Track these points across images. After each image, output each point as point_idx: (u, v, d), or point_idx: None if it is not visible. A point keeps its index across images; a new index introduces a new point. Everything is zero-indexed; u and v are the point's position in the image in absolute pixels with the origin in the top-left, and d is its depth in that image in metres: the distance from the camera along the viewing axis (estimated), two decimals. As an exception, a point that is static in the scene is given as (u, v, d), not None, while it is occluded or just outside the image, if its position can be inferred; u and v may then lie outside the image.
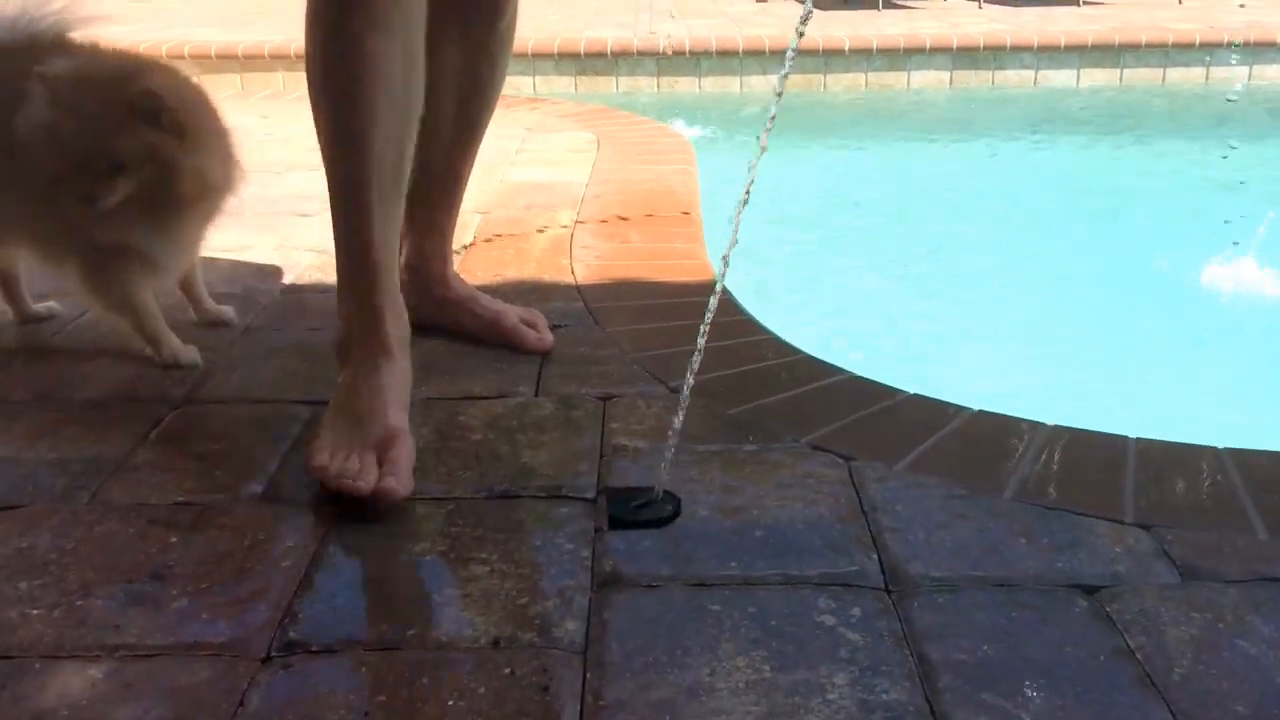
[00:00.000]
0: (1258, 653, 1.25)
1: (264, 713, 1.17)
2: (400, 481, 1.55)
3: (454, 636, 1.29)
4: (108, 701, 1.18)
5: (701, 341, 1.56)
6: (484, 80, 2.09)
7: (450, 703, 1.18)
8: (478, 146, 2.17)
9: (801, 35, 1.54)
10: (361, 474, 1.55)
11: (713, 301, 1.56)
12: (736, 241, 1.55)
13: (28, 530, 1.51)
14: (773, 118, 1.53)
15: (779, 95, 1.54)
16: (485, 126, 2.17)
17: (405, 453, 1.60)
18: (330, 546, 1.47)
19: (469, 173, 2.17)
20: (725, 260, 1.57)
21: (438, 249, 2.11)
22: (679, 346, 2.11)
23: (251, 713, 1.17)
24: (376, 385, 1.66)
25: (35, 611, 1.33)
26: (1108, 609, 1.33)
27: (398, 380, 1.70)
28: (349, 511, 1.53)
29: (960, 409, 1.85)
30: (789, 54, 1.60)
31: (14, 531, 1.51)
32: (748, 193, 1.54)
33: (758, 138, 1.53)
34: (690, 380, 1.57)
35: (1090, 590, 1.36)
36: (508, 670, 1.23)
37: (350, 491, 1.53)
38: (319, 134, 1.79)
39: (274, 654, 1.26)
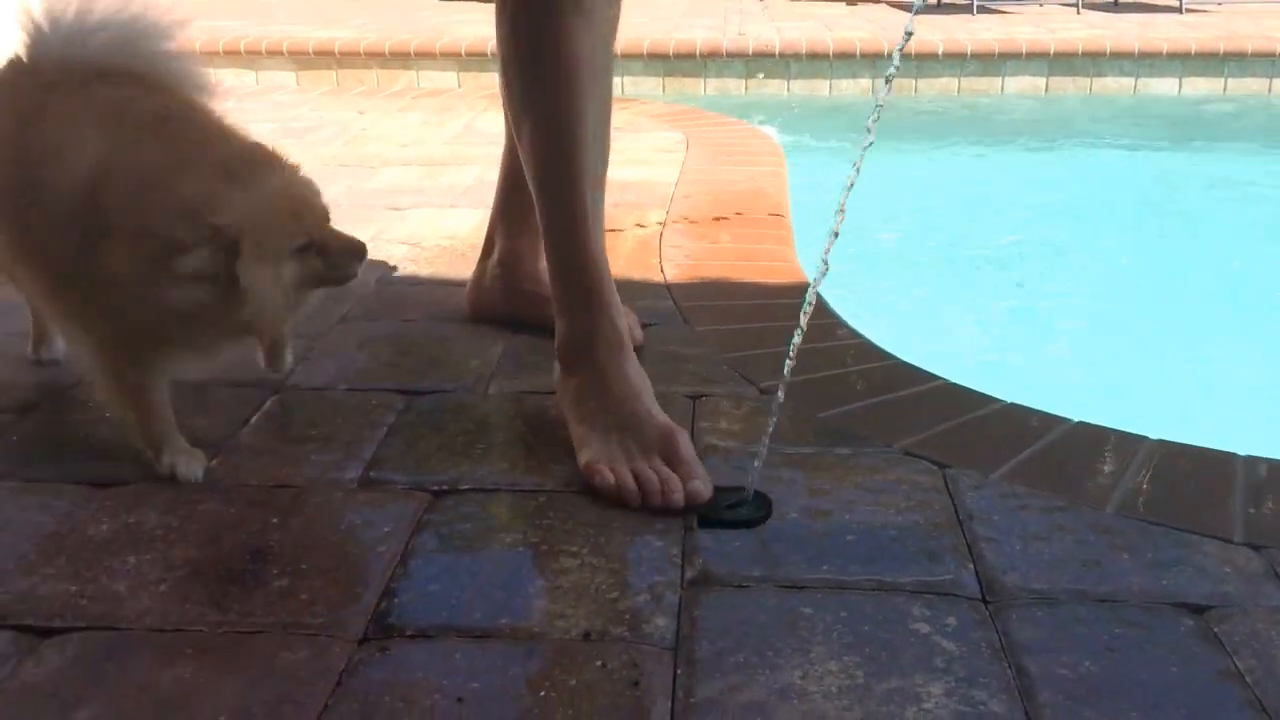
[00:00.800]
0: (1377, 682, 1.20)
1: (360, 693, 1.19)
2: (703, 481, 1.53)
3: (545, 627, 1.30)
4: (208, 677, 1.21)
5: (797, 339, 1.55)
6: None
7: (542, 693, 1.19)
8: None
9: (908, 38, 1.53)
10: (667, 489, 1.52)
11: (809, 298, 1.54)
12: (836, 237, 1.53)
13: (135, 507, 1.56)
14: (872, 129, 1.51)
15: (879, 106, 1.51)
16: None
17: (689, 448, 1.57)
18: (425, 534, 1.49)
19: None
20: (824, 263, 1.55)
21: (531, 247, 2.12)
22: (768, 348, 2.10)
23: (348, 693, 1.19)
24: (628, 384, 1.62)
25: (143, 586, 1.37)
26: (1215, 630, 1.28)
27: (643, 375, 1.67)
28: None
29: (1058, 420, 1.80)
30: (892, 65, 1.58)
31: (122, 507, 1.56)
32: (846, 198, 1.52)
33: (864, 147, 1.50)
34: (786, 380, 1.56)
35: (1197, 610, 1.32)
36: (599, 663, 1.24)
37: (667, 509, 1.51)
38: (519, 129, 1.68)
39: (370, 636, 1.28)
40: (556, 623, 1.31)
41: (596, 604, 1.34)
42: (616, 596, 1.36)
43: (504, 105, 1.76)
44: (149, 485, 1.61)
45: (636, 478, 1.53)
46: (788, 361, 1.55)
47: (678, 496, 1.51)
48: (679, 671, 1.22)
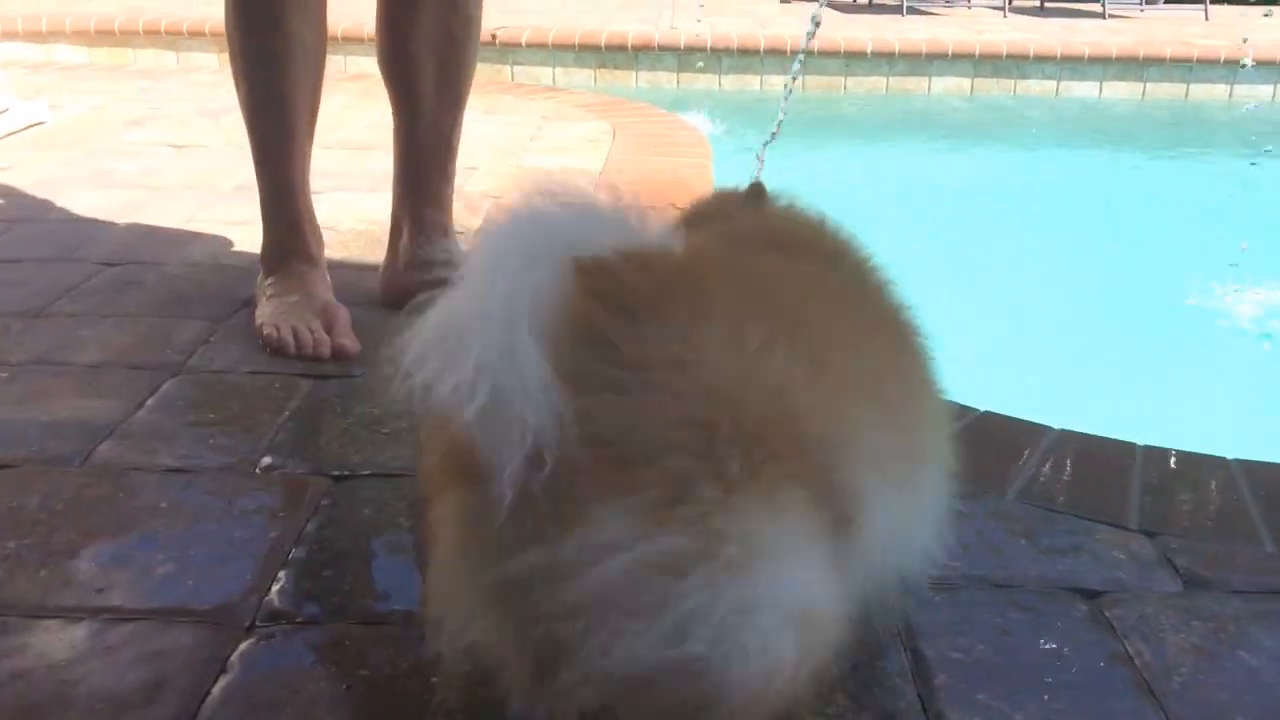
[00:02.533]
0: (1259, 665, 1.22)
1: (245, 681, 1.15)
2: (351, 341, 1.92)
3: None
4: (87, 662, 1.16)
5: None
6: (460, 40, 2.08)
7: (434, 679, 1.16)
8: (462, 110, 2.15)
9: (815, 28, 1.55)
10: (317, 342, 1.90)
11: None
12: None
13: (19, 490, 1.50)
14: (780, 121, 1.52)
15: (786, 96, 1.54)
16: (468, 88, 2.16)
17: (347, 320, 1.97)
18: (320, 519, 1.45)
19: (458, 139, 2.15)
20: None
21: (437, 220, 2.10)
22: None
23: (232, 681, 1.15)
24: (308, 280, 2.05)
25: (21, 570, 1.32)
26: (1108, 614, 1.30)
27: (324, 279, 2.09)
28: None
29: (965, 409, 1.82)
30: (797, 60, 1.60)
31: (4, 491, 1.49)
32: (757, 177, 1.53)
33: (771, 135, 1.52)
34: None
35: (1091, 595, 1.34)
36: (494, 649, 1.21)
37: (315, 357, 1.88)
38: (241, 98, 2.04)
39: (258, 624, 1.24)
40: (452, 608, 1.28)
41: (494, 590, 1.32)
42: (516, 582, 1.33)
43: (232, 73, 2.04)
44: (34, 468, 1.55)
45: (295, 334, 1.92)
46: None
47: (325, 349, 1.90)
48: None
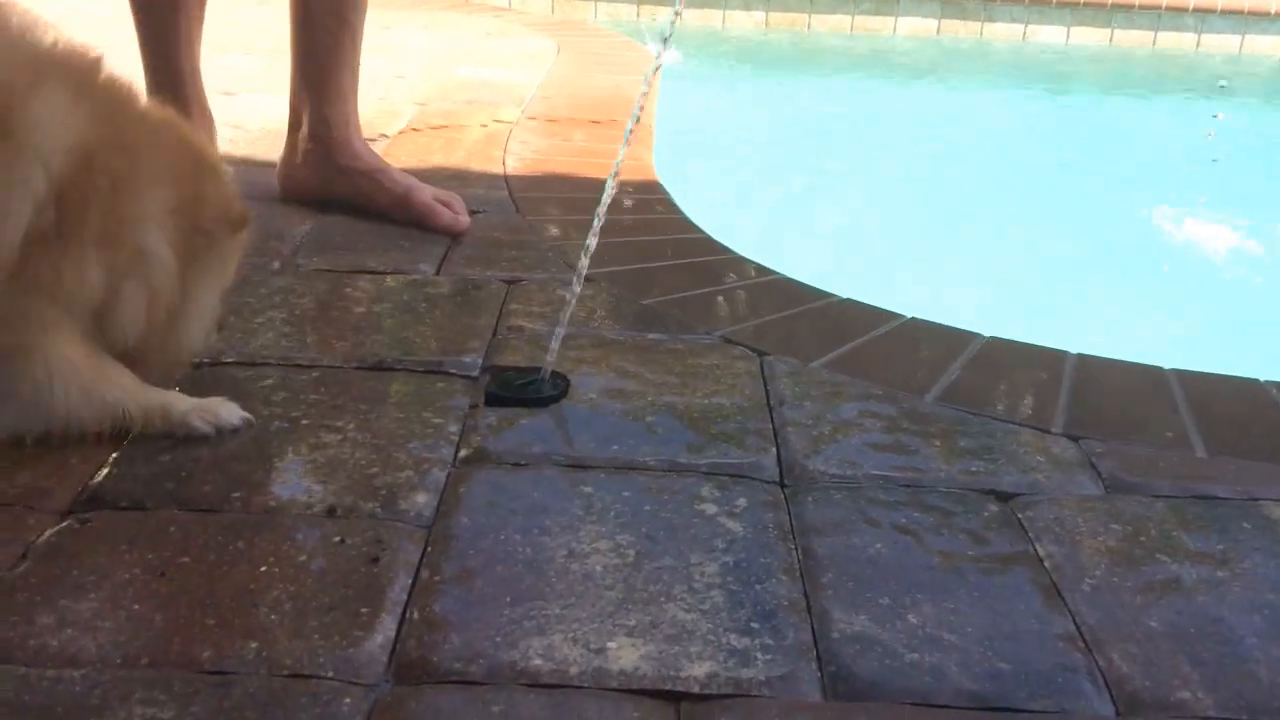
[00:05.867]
0: (1181, 570, 1.12)
1: (47, 564, 1.02)
2: None
3: (284, 503, 1.14)
4: None
5: (600, 214, 1.42)
6: None
7: (263, 568, 1.04)
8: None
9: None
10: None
11: (610, 180, 1.42)
12: (639, 119, 1.46)
13: None
14: (668, 38, 1.45)
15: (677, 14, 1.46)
16: None
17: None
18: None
19: (361, 25, 1.98)
20: (626, 139, 1.46)
21: (340, 114, 1.95)
22: (603, 239, 1.95)
23: (34, 564, 1.02)
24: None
25: None
26: (1020, 516, 1.19)
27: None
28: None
29: (890, 315, 1.71)
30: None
31: None
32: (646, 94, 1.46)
33: (655, 62, 1.47)
34: (587, 256, 1.42)
35: (1004, 497, 1.23)
36: (337, 539, 1.09)
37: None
38: None
39: (74, 509, 1.11)
40: (299, 498, 1.15)
41: (350, 480, 1.19)
42: (376, 473, 1.21)
43: None
44: None
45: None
46: (593, 230, 1.42)
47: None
48: (429, 549, 1.08)
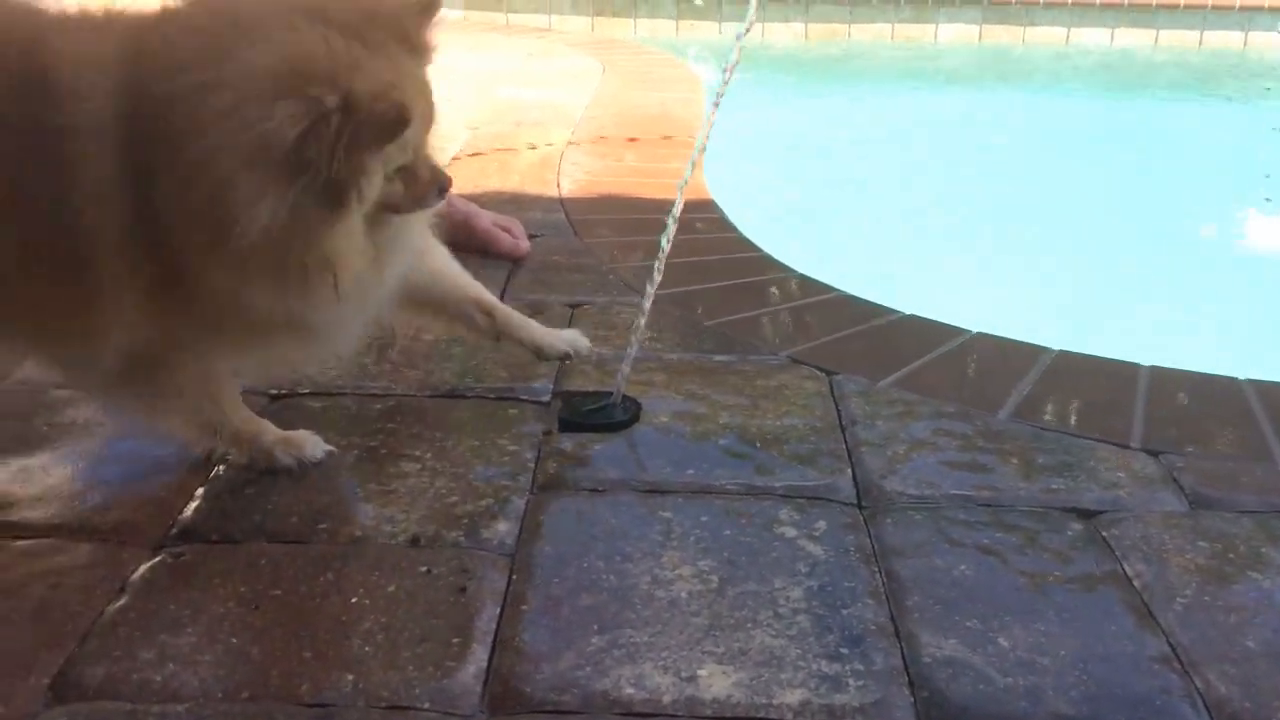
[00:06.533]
0: (1273, 586, 1.10)
1: (143, 600, 1.04)
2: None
3: (369, 533, 1.16)
4: (-28, 581, 1.06)
5: (665, 241, 1.42)
6: None
7: (354, 599, 1.05)
8: None
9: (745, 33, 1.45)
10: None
11: (677, 206, 1.42)
12: (704, 148, 1.46)
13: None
14: (732, 66, 1.42)
15: (743, 32, 1.43)
16: None
17: None
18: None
19: None
20: (693, 163, 1.46)
21: None
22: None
23: (130, 600, 1.04)
24: None
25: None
26: (1105, 534, 1.18)
27: None
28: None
29: (957, 330, 1.70)
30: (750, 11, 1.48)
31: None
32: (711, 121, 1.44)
33: (719, 90, 1.44)
34: (655, 281, 1.43)
35: (1087, 515, 1.22)
36: (424, 569, 1.10)
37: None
38: None
39: (166, 544, 1.13)
40: (383, 528, 1.17)
41: (431, 509, 1.20)
42: (456, 501, 1.22)
43: None
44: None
45: None
46: (658, 260, 1.42)
47: None
48: (514, 577, 1.09)
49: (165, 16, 1.09)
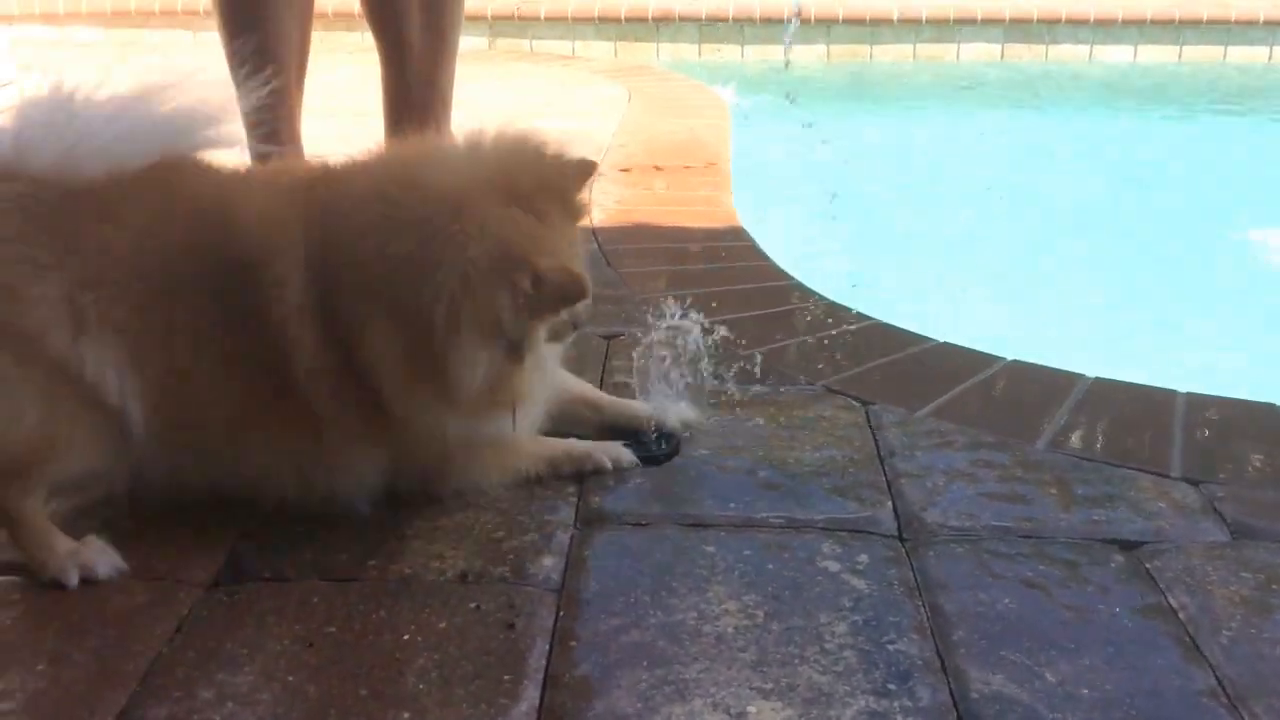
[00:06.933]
0: (1319, 618, 1.10)
1: (200, 638, 1.06)
2: None
3: (418, 570, 1.18)
4: (30, 626, 1.08)
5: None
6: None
7: (406, 636, 1.07)
8: (452, 58, 2.04)
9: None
10: None
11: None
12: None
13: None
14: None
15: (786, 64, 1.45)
16: (456, 35, 2.05)
17: None
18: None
19: (448, 89, 2.04)
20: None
21: None
22: (694, 288, 1.98)
23: (186, 638, 1.06)
24: None
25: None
26: (1147, 566, 1.18)
27: None
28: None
29: (991, 358, 1.70)
30: (789, 28, 1.51)
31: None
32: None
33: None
34: (691, 315, 1.45)
35: (1128, 546, 1.22)
36: (473, 605, 1.12)
37: None
38: (225, 53, 1.89)
39: (221, 581, 1.16)
40: (432, 564, 1.19)
41: (478, 545, 1.22)
42: (502, 537, 1.24)
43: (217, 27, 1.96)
44: None
45: None
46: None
47: None
48: (562, 612, 1.11)
49: (362, 165, 1.26)
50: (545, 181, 1.21)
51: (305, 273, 1.16)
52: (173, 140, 1.21)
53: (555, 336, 1.28)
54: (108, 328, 1.13)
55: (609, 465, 1.37)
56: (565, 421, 1.44)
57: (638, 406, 1.48)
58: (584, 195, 1.27)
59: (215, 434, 1.21)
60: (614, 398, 1.50)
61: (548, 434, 1.40)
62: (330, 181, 1.25)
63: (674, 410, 1.46)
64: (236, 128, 1.29)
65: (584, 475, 1.35)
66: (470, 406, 1.20)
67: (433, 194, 1.17)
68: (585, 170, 1.27)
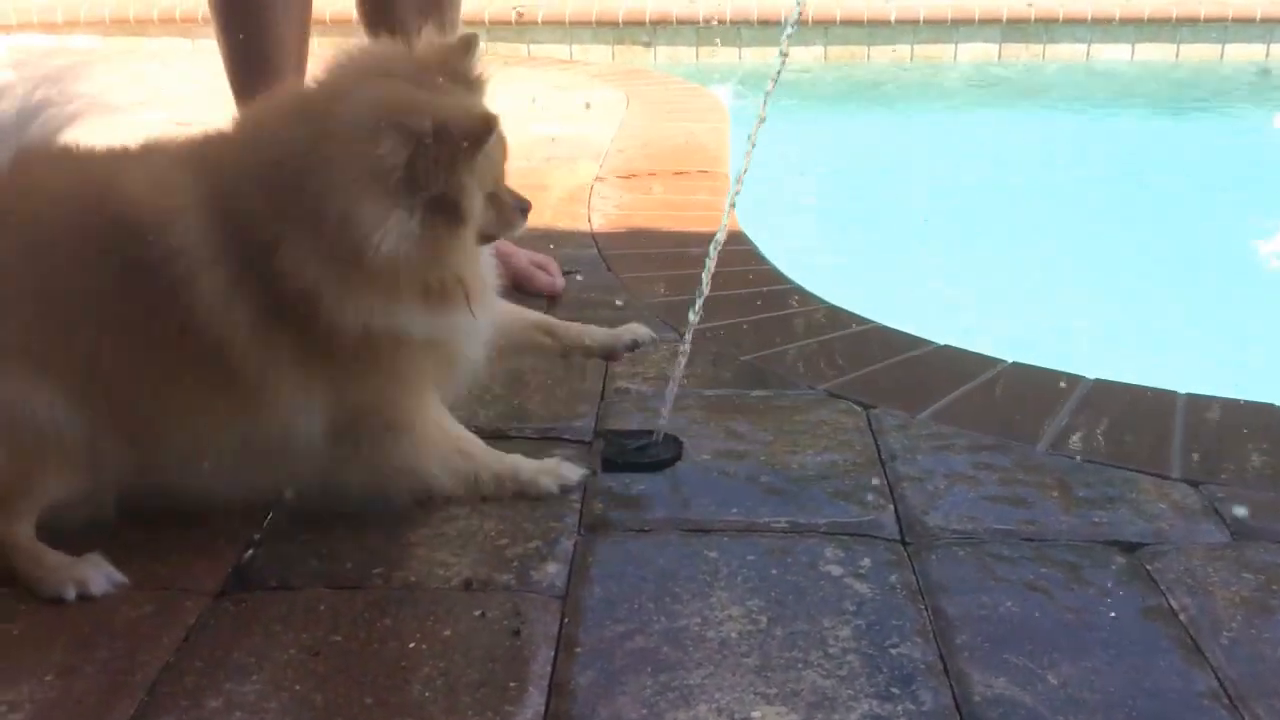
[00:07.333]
0: (1319, 618, 1.11)
1: (208, 648, 1.07)
2: None
3: (423, 577, 1.18)
4: (37, 637, 1.09)
5: (706, 279, 1.45)
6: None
7: (412, 644, 1.08)
8: None
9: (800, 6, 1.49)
10: None
11: (716, 240, 1.46)
12: (740, 190, 1.52)
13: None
14: (769, 91, 1.48)
15: (780, 66, 1.48)
16: (454, 33, 2.04)
17: None
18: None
19: None
20: (731, 202, 1.49)
21: None
22: (694, 293, 1.98)
23: (193, 648, 1.07)
24: None
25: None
26: (1148, 568, 1.19)
27: None
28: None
29: (992, 360, 1.71)
30: (787, 27, 1.53)
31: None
32: (753, 142, 1.51)
33: (752, 133, 1.48)
34: (694, 321, 1.46)
35: (1129, 548, 1.23)
36: (478, 612, 1.12)
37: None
38: (223, 55, 1.93)
39: (227, 590, 1.16)
40: (436, 572, 1.19)
41: (482, 552, 1.23)
42: (505, 544, 1.24)
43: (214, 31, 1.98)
44: None
45: None
46: (698, 299, 1.45)
47: None
48: (566, 619, 1.11)
49: (236, 122, 1.26)
50: (425, 62, 1.21)
51: (208, 231, 1.13)
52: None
53: (502, 222, 1.25)
54: (25, 359, 1.10)
55: (554, 490, 1.31)
56: (519, 346, 1.44)
57: (593, 329, 1.50)
58: (477, 68, 1.25)
59: (166, 428, 1.18)
60: (569, 323, 1.51)
61: (506, 366, 1.40)
62: (220, 140, 1.23)
63: (626, 331, 1.50)
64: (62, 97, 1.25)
65: (525, 496, 1.31)
66: (410, 288, 1.16)
67: (314, 106, 1.18)
68: (467, 41, 1.25)
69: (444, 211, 1.15)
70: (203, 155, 1.22)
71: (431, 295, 1.20)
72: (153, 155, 1.23)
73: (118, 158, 1.23)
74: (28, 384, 1.11)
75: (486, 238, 1.29)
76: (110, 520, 1.21)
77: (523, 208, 1.30)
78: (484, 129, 1.14)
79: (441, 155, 1.12)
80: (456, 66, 1.23)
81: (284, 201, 1.14)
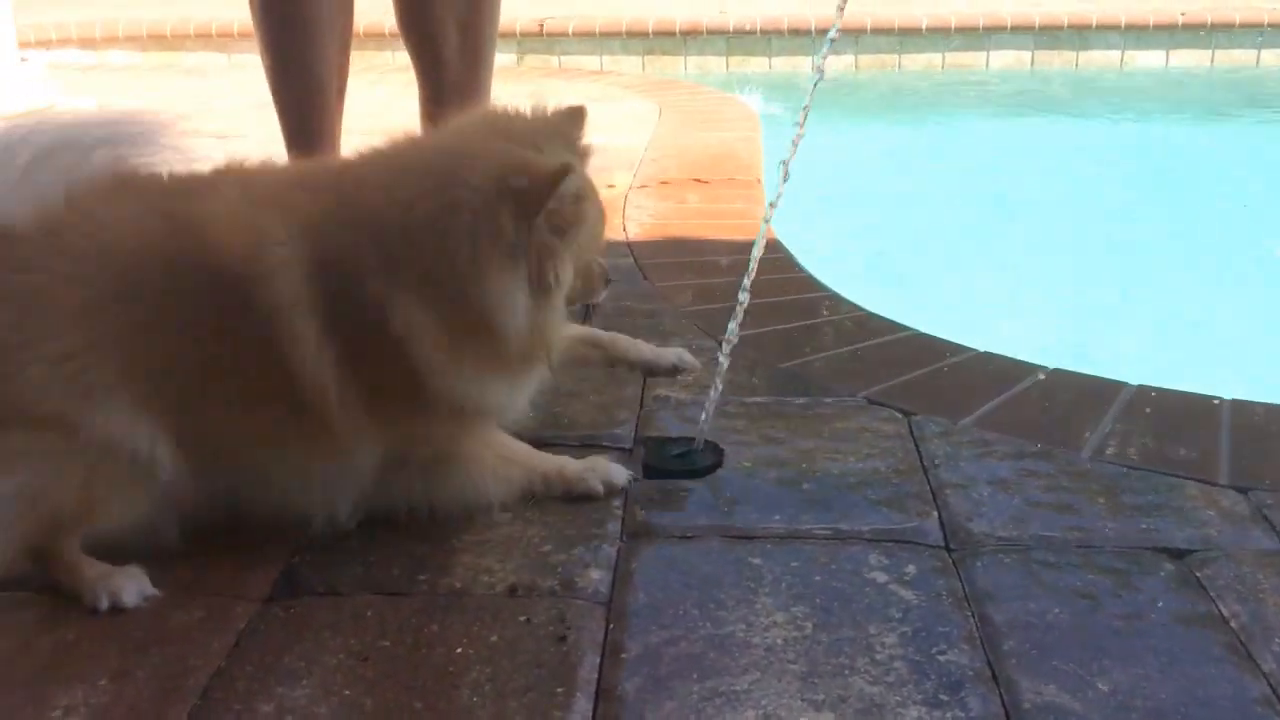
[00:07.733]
0: (1374, 626, 1.09)
1: (258, 653, 1.08)
2: None
3: (468, 584, 1.19)
4: (94, 639, 1.10)
5: (744, 291, 1.45)
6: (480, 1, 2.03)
7: (459, 650, 1.08)
8: (488, 74, 2.09)
9: (841, 8, 1.49)
10: None
11: (756, 250, 1.46)
12: (777, 202, 1.52)
13: None
14: (807, 107, 1.49)
15: (818, 77, 1.48)
16: (491, 51, 2.10)
17: None
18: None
19: (485, 101, 2.06)
20: (767, 218, 1.50)
21: None
22: (731, 301, 1.98)
23: (244, 653, 1.08)
24: None
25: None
26: (1198, 574, 1.18)
27: None
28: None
29: (1033, 366, 1.70)
30: (825, 44, 1.52)
31: None
32: (788, 163, 1.50)
33: (803, 111, 1.48)
34: (734, 329, 1.46)
35: (1178, 554, 1.22)
36: (523, 618, 1.13)
37: None
38: (266, 70, 1.99)
39: (275, 596, 1.17)
40: (481, 578, 1.20)
41: (526, 558, 1.23)
42: (549, 550, 1.25)
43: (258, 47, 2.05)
44: None
45: None
46: (739, 306, 1.46)
47: None
48: (611, 625, 1.12)
49: (330, 169, 1.33)
50: (538, 127, 1.25)
51: (306, 284, 1.15)
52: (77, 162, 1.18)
53: (586, 290, 1.31)
54: (111, 385, 1.12)
55: (600, 490, 1.33)
56: (571, 363, 1.46)
57: (640, 345, 1.52)
58: (584, 137, 1.30)
59: (239, 459, 1.20)
60: (614, 334, 1.54)
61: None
62: (314, 183, 1.25)
63: (672, 353, 1.52)
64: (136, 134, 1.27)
65: (573, 497, 1.33)
66: (512, 358, 1.20)
67: (433, 166, 1.21)
68: (577, 113, 1.31)
69: (539, 283, 1.19)
70: (293, 200, 1.20)
71: (524, 361, 1.24)
72: (234, 189, 1.22)
73: (200, 192, 1.22)
74: (129, 419, 1.12)
75: (569, 301, 1.31)
76: (174, 544, 1.22)
77: (607, 280, 1.37)
78: (560, 170, 1.16)
79: (530, 203, 1.15)
80: (568, 132, 1.28)
81: (398, 262, 1.16)
